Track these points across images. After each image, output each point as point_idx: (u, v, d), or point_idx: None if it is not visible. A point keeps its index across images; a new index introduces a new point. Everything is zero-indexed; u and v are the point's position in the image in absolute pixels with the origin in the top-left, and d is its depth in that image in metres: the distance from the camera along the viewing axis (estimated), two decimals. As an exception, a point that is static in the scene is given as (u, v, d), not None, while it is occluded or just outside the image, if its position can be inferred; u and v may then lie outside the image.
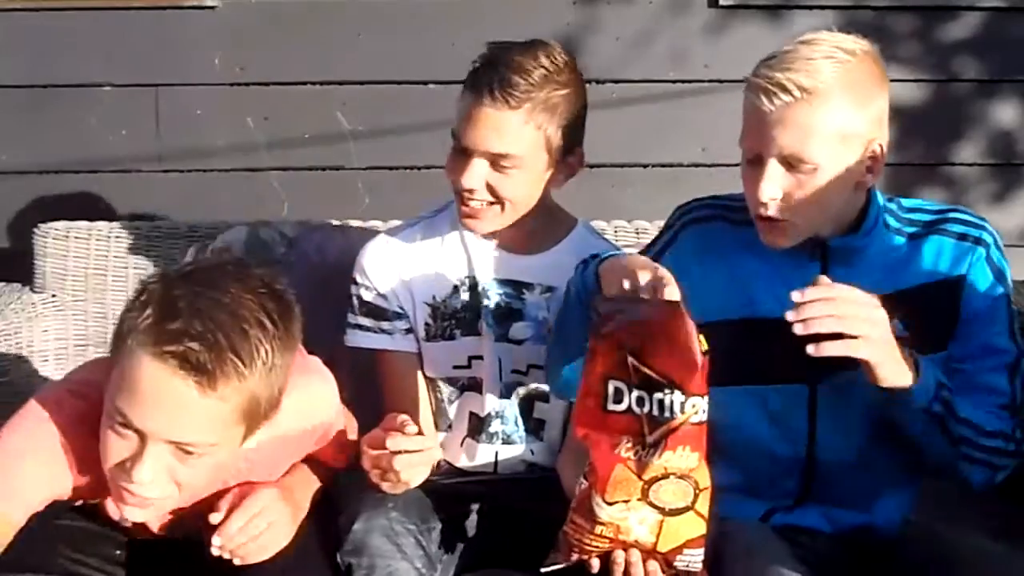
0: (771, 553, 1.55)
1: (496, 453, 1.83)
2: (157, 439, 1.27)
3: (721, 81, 2.63)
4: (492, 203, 1.70)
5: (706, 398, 1.38)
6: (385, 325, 1.82)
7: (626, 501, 1.37)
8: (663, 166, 2.70)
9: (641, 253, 1.68)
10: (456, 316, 1.82)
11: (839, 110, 1.46)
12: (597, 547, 1.41)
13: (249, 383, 1.27)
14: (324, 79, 2.63)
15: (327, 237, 2.19)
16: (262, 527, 1.44)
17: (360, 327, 1.83)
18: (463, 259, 1.82)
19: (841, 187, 1.52)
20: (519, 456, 1.84)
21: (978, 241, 1.59)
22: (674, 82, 2.65)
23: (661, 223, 2.28)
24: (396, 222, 2.23)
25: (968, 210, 1.64)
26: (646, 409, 1.37)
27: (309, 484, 1.60)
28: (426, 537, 1.55)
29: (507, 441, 1.83)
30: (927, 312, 1.57)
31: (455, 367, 1.83)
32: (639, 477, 1.37)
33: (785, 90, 1.44)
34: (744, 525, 1.62)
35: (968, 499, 1.72)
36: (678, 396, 1.36)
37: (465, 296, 1.81)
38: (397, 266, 1.82)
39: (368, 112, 2.63)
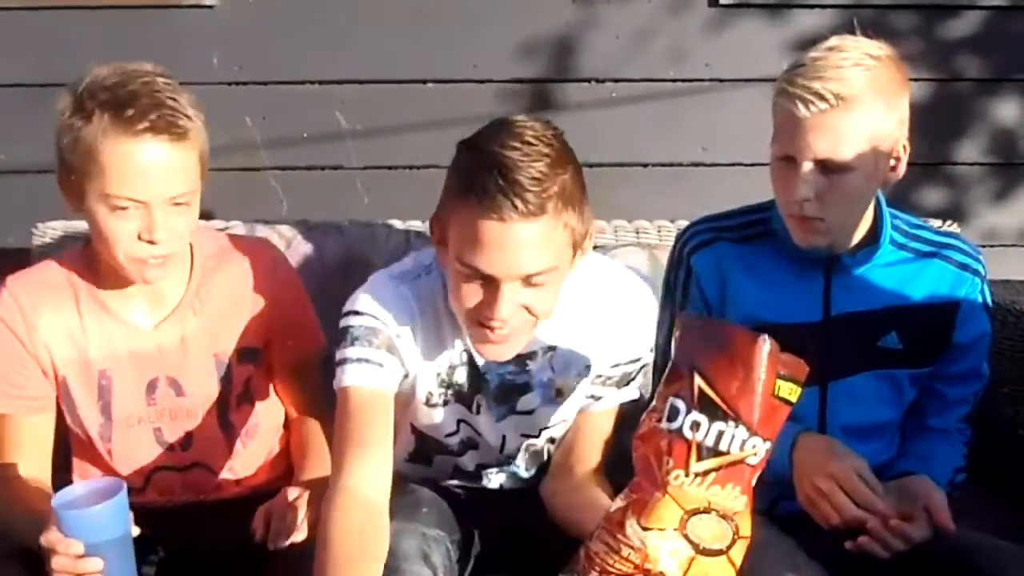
0: (779, 548, 1.56)
1: (500, 483, 1.81)
2: (159, 201, 1.53)
3: (721, 80, 2.63)
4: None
5: (769, 443, 1.31)
6: (387, 358, 1.59)
7: (662, 529, 1.31)
8: (664, 165, 2.69)
9: (665, 294, 1.77)
10: (456, 388, 1.69)
11: (870, 114, 1.53)
12: (619, 571, 1.34)
13: (197, 133, 1.56)
14: (323, 78, 2.62)
15: (326, 237, 2.19)
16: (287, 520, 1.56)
17: (362, 360, 1.58)
18: (459, 331, 1.64)
19: (870, 186, 1.61)
20: (521, 478, 1.81)
21: (976, 273, 1.73)
22: (674, 81, 2.64)
23: (662, 223, 2.30)
24: (395, 222, 2.24)
25: (966, 240, 1.77)
26: (699, 436, 1.30)
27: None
28: (452, 548, 1.55)
29: (506, 472, 1.80)
30: (922, 331, 1.69)
31: (447, 435, 1.74)
32: (680, 506, 1.30)
33: (821, 98, 1.51)
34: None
35: (974, 498, 1.73)
36: (741, 432, 1.30)
37: (463, 373, 1.67)
38: (403, 313, 1.61)
39: (367, 111, 2.62)
